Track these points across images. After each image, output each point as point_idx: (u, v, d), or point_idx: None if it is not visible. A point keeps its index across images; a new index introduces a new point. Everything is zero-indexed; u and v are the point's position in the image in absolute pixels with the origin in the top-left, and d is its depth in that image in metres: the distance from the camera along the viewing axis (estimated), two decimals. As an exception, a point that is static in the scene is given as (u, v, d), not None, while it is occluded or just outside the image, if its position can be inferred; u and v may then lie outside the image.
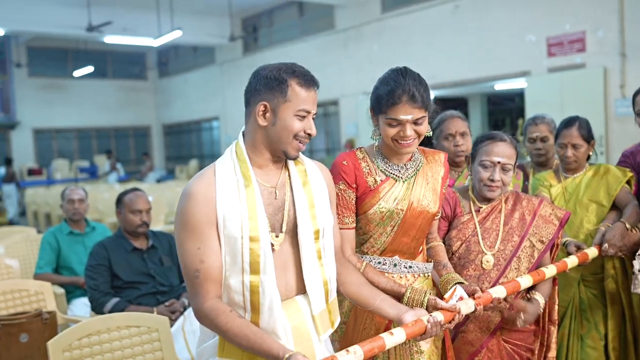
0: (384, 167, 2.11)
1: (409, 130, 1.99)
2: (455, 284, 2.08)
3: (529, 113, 9.48)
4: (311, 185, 1.84)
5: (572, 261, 2.51)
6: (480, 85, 11.49)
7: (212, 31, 15.40)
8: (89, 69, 16.84)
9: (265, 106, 1.75)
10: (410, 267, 2.15)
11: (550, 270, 2.36)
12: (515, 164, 2.42)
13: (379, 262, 2.12)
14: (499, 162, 2.35)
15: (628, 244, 2.71)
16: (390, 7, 12.16)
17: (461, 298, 1.98)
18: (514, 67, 10.05)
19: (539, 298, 2.38)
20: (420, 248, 2.20)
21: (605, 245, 2.65)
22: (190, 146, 19.66)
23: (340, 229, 2.06)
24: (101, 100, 19.05)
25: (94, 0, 12.47)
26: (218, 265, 1.70)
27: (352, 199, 2.09)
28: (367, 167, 2.11)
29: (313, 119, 1.80)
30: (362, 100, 12.16)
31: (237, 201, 1.70)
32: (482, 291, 2.05)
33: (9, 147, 17.97)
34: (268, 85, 1.75)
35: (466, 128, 3.05)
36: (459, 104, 14.19)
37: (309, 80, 1.78)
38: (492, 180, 2.35)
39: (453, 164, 3.07)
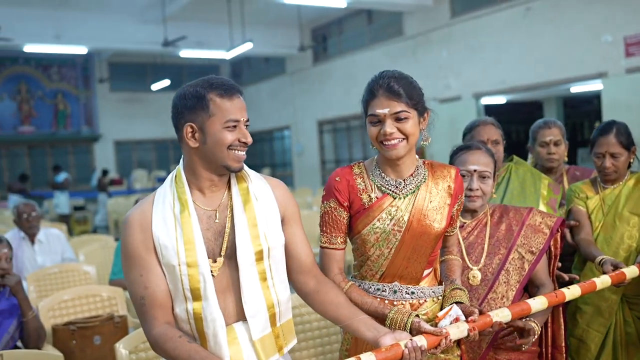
0: (381, 183, 1.93)
1: (389, 127, 1.82)
2: (453, 302, 1.90)
3: (607, 116, 9.12)
4: (254, 203, 1.75)
5: (603, 281, 2.25)
6: (555, 88, 11.14)
7: (282, 42, 15.66)
8: (166, 82, 17.43)
9: (192, 127, 1.67)
10: (412, 292, 1.95)
11: (572, 292, 2.12)
12: (494, 172, 2.30)
13: (378, 289, 1.95)
14: (475, 170, 2.25)
15: None
16: (459, 12, 12.01)
17: (457, 319, 1.79)
18: (590, 68, 9.70)
19: (534, 325, 2.11)
20: (427, 271, 2.00)
21: None
22: (262, 155, 20.01)
23: (327, 248, 1.95)
24: (178, 112, 19.61)
25: (170, 16, 12.94)
26: (163, 289, 1.67)
27: (344, 218, 1.95)
28: (363, 184, 1.95)
29: (247, 125, 1.72)
30: (432, 107, 11.99)
31: (172, 228, 1.67)
32: (482, 313, 1.85)
33: (93, 159, 18.85)
34: (188, 105, 1.67)
35: (499, 136, 2.83)
36: (534, 108, 13.83)
37: (229, 89, 1.69)
38: (471, 190, 2.24)
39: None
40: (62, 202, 12.82)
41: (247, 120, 1.73)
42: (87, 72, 18.61)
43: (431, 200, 1.93)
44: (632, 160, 2.74)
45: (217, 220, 1.73)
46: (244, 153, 1.73)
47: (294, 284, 1.89)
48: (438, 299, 2.00)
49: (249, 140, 1.73)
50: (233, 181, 1.78)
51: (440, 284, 2.06)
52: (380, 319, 1.82)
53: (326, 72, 15.76)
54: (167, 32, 12.83)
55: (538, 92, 11.95)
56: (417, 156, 1.99)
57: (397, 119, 1.83)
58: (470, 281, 2.24)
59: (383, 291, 1.94)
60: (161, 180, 18.60)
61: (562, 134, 3.09)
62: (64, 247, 4.86)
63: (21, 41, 12.61)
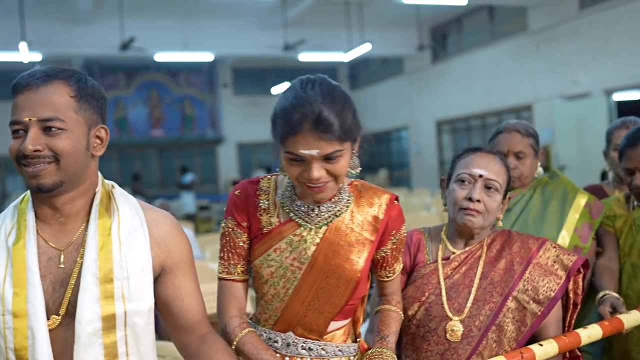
0: (289, 206, 1.53)
1: (317, 171, 1.38)
2: None
3: None
4: (114, 249, 1.32)
5: (588, 334, 1.72)
6: (699, 81, 10.23)
7: (400, 42, 15.52)
8: (286, 85, 17.76)
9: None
10: (310, 349, 1.53)
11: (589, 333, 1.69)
12: (506, 187, 1.77)
13: (270, 339, 1.55)
14: (480, 176, 1.72)
15: None
16: (588, 4, 11.32)
17: None
18: None
19: None
20: (338, 324, 1.57)
21: None
22: (379, 156, 19.94)
23: (225, 279, 1.57)
24: (297, 115, 20.09)
25: (290, 21, 13.22)
26: None
27: (243, 242, 1.56)
28: (266, 202, 1.55)
29: (57, 129, 1.27)
30: (558, 105, 11.45)
31: (2, 263, 1.28)
32: None
33: (216, 161, 19.66)
34: None
35: (526, 147, 2.25)
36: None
37: (15, 86, 1.29)
38: (470, 200, 1.70)
39: None
40: (188, 202, 13.46)
41: (49, 121, 1.26)
42: (212, 78, 19.45)
43: (347, 234, 1.51)
44: None
45: (61, 265, 1.31)
46: (41, 167, 1.26)
47: (175, 344, 1.50)
48: None
49: (38, 149, 1.25)
50: (94, 214, 1.34)
51: (355, 341, 1.64)
52: None
53: (445, 71, 15.45)
54: (287, 37, 13.11)
55: (679, 87, 11.03)
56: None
57: (327, 159, 1.39)
58: (448, 336, 1.70)
59: (275, 342, 1.54)
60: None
61: None
62: (192, 245, 5.09)
63: (153, 50, 13.37)
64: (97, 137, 1.37)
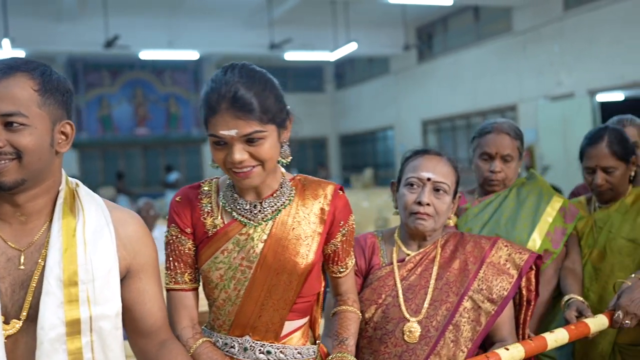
0: (231, 206, 1.50)
1: (238, 153, 1.36)
2: None
3: None
4: (79, 250, 1.26)
5: (555, 338, 1.69)
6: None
7: (386, 42, 15.55)
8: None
9: None
10: (269, 352, 1.50)
11: (556, 337, 1.66)
12: (455, 188, 1.79)
13: (226, 344, 1.51)
14: (428, 179, 1.73)
15: None
16: (573, 4, 11.41)
17: None
18: None
19: None
20: (294, 324, 1.55)
21: (619, 312, 1.81)
22: (365, 155, 19.97)
23: (173, 289, 1.53)
24: (282, 114, 20.08)
25: (276, 20, 13.18)
26: None
27: (189, 249, 1.53)
28: (209, 206, 1.53)
29: (14, 123, 1.21)
30: (542, 105, 11.52)
31: None
32: None
33: (202, 160, 19.57)
34: None
35: (513, 150, 2.20)
36: (656, 104, 12.92)
37: None
38: (420, 204, 1.72)
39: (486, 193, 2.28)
40: (174, 200, 13.37)
41: (10, 116, 1.20)
42: (197, 76, 19.35)
43: (294, 228, 1.49)
44: (633, 173, 2.18)
45: (21, 267, 1.25)
46: (2, 164, 1.21)
47: (132, 349, 1.45)
48: None
49: None
50: (57, 214, 1.28)
51: (314, 343, 1.62)
52: None
53: (431, 70, 15.50)
54: (273, 36, 13.08)
55: (661, 88, 11.15)
56: (282, 170, 1.57)
57: (249, 140, 1.37)
58: (405, 337, 1.69)
59: (232, 347, 1.50)
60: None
61: None
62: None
63: (137, 48, 13.28)
64: (62, 132, 1.30)
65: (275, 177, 1.52)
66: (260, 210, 1.49)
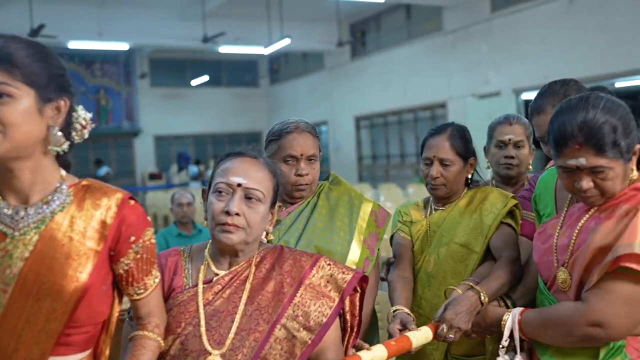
0: None
1: None
2: None
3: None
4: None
5: (371, 357, 1.52)
6: (600, 84, 10.85)
7: (320, 37, 15.63)
8: (205, 78, 17.63)
9: None
10: None
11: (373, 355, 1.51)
12: (272, 196, 1.55)
13: None
14: (239, 185, 1.48)
15: (483, 324, 1.76)
16: (500, 6, 11.81)
17: None
18: (637, 63, 9.41)
19: None
20: None
21: (443, 326, 1.72)
22: (300, 151, 20.02)
23: None
24: (216, 108, 19.85)
25: (209, 13, 13.04)
26: None
27: None
28: None
29: None
30: (470, 102, 11.88)
31: None
32: None
33: (133, 153, 19.15)
34: None
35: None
36: (576, 103, 13.51)
37: None
38: (228, 214, 1.45)
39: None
40: (103, 195, 13.04)
41: None
42: (128, 68, 18.90)
43: (64, 244, 1.24)
44: (470, 176, 2.14)
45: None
46: None
47: None
48: None
49: None
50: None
51: None
52: None
53: (364, 67, 15.70)
54: (207, 29, 12.92)
55: (581, 88, 11.67)
56: (63, 172, 1.32)
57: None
58: None
59: None
60: (194, 176, 18.56)
61: (527, 135, 2.46)
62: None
63: (65, 38, 12.85)
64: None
65: (46, 177, 1.27)
66: (23, 217, 1.24)
